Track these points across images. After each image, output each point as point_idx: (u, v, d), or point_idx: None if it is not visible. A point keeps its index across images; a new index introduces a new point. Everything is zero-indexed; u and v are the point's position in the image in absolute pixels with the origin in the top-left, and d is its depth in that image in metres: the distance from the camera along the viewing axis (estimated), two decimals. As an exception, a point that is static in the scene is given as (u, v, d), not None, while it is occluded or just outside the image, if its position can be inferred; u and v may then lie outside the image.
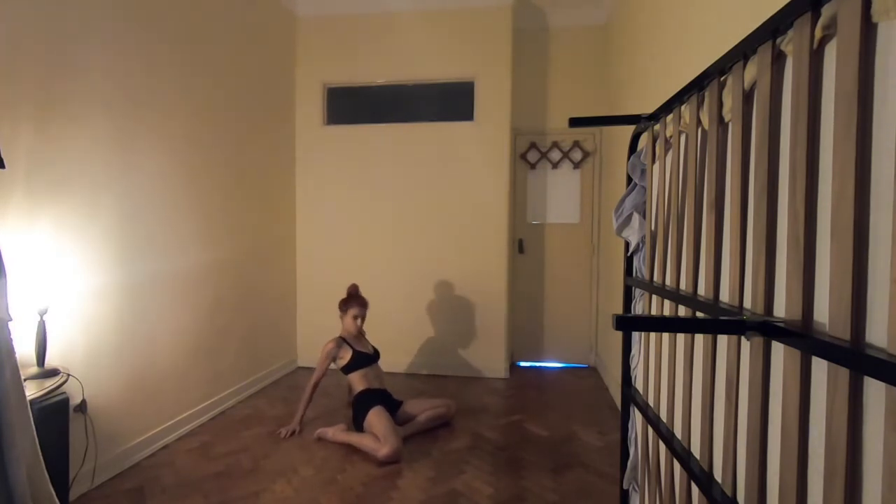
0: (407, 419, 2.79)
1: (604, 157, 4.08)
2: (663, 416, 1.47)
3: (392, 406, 2.79)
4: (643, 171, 1.77)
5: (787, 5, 0.83)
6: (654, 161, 1.66)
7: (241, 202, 3.34)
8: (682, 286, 1.39)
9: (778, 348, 0.90)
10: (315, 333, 4.08)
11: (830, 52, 0.79)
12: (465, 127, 3.92)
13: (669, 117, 1.53)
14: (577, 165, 4.17)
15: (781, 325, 0.84)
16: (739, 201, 1.04)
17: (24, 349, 1.81)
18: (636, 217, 1.79)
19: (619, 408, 2.63)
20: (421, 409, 2.82)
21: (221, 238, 3.12)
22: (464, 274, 3.94)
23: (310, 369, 4.04)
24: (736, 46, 1.03)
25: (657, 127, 1.62)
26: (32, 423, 1.39)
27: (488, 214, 3.88)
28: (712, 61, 1.16)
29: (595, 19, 4.07)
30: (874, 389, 0.68)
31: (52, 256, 2.00)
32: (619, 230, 1.85)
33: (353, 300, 2.95)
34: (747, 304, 1.03)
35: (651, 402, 1.62)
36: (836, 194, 0.73)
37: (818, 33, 0.79)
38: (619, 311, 2.74)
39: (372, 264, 3.99)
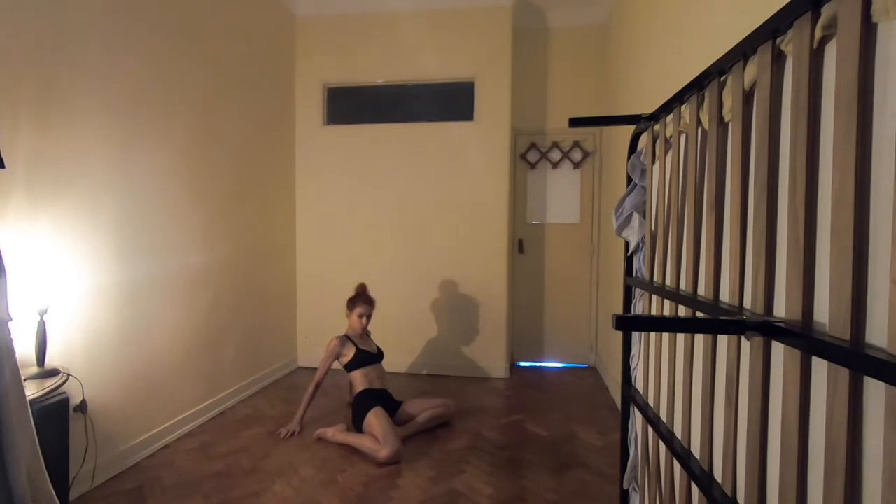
0: (406, 419, 2.79)
1: (604, 157, 4.08)
2: (663, 416, 1.47)
3: (392, 406, 2.79)
4: (643, 171, 1.77)
5: (787, 5, 0.83)
6: (654, 161, 1.66)
7: (242, 202, 3.34)
8: (682, 286, 1.39)
9: (778, 348, 0.90)
10: (315, 333, 4.08)
11: (830, 52, 0.79)
12: (465, 127, 3.92)
13: (669, 117, 1.53)
14: (577, 165, 4.17)
15: (781, 325, 0.84)
16: (739, 201, 1.04)
17: (24, 349, 1.81)
18: (636, 217, 1.79)
19: (619, 408, 2.63)
20: (420, 409, 2.82)
21: (221, 238, 3.12)
22: (464, 274, 3.94)
23: (309, 369, 4.05)
24: (736, 46, 1.03)
25: (657, 127, 1.62)
26: (32, 423, 1.39)
27: (488, 214, 3.88)
28: (712, 61, 1.16)
29: (595, 19, 4.07)
30: (874, 389, 0.68)
31: (52, 256, 2.00)
32: (619, 230, 1.85)
33: (360, 299, 2.95)
34: (747, 304, 1.03)
35: (651, 402, 1.62)
36: (836, 194, 0.73)
37: (818, 33, 0.79)
38: (619, 311, 2.74)
39: (371, 264, 3.99)
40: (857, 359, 0.66)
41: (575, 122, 1.84)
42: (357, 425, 2.65)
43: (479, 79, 3.88)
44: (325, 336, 3.92)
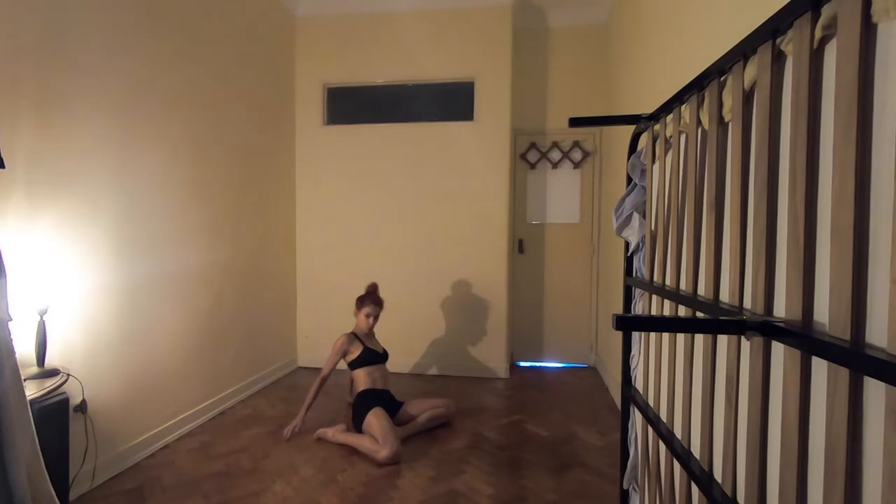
0: (407, 419, 2.79)
1: (604, 157, 4.08)
2: (663, 416, 1.47)
3: (393, 407, 2.79)
4: (643, 171, 1.77)
5: (787, 5, 0.83)
6: (654, 161, 1.66)
7: (242, 202, 3.34)
8: (682, 286, 1.39)
9: (778, 348, 0.90)
10: (315, 334, 4.08)
11: (830, 52, 0.79)
12: (466, 127, 3.92)
13: (669, 117, 1.53)
14: (577, 165, 4.17)
15: (781, 325, 0.84)
16: (739, 201, 1.04)
17: (24, 349, 1.81)
18: (636, 217, 1.79)
19: (619, 408, 2.63)
20: (421, 409, 2.82)
21: (221, 238, 3.12)
22: (464, 274, 3.94)
23: (309, 369, 4.05)
24: (736, 46, 1.03)
25: (657, 127, 1.62)
26: (32, 423, 1.39)
27: (488, 214, 3.88)
28: (712, 61, 1.16)
29: (595, 19, 4.07)
30: (874, 389, 0.68)
31: (52, 256, 2.00)
32: (619, 230, 1.85)
33: (369, 298, 2.95)
34: (747, 304, 1.03)
35: (651, 402, 1.61)
36: (836, 194, 0.73)
37: (818, 33, 0.79)
38: (619, 311, 2.74)
39: (371, 264, 3.99)
40: (857, 359, 0.66)
41: (575, 122, 1.84)
42: (357, 425, 2.65)
43: (479, 79, 3.88)
44: (325, 336, 3.93)
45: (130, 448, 2.38)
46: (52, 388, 1.72)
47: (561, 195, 4.21)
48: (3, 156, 1.43)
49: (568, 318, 4.24)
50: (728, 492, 1.04)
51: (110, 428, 2.26)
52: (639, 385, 1.77)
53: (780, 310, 0.92)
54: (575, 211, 4.20)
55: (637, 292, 1.85)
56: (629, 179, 1.83)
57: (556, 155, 4.19)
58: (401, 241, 4.01)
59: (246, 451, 2.56)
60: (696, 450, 1.25)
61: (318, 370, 4.00)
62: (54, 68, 1.99)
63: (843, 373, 0.70)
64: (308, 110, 4.10)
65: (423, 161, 3.96)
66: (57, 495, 1.46)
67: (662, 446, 1.48)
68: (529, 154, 4.22)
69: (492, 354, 3.93)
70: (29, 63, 1.89)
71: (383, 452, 2.41)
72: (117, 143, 2.31)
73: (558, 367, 4.20)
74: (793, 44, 0.85)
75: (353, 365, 2.81)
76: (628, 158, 1.84)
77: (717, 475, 1.12)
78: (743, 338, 1.01)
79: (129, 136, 2.38)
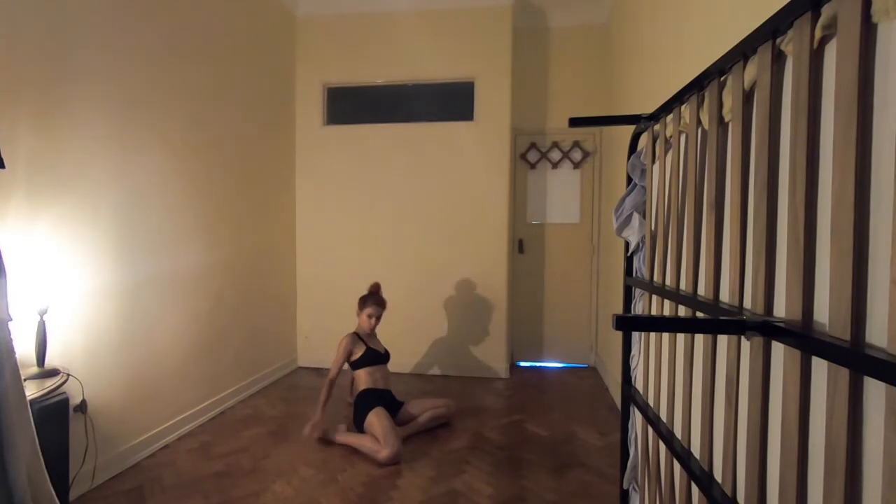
0: (408, 419, 2.79)
1: (604, 157, 4.08)
2: (663, 416, 1.47)
3: (394, 407, 2.79)
4: (643, 171, 1.77)
5: (787, 5, 0.83)
6: (654, 161, 1.66)
7: (241, 202, 3.34)
8: (682, 286, 1.38)
9: (778, 348, 0.90)
10: (315, 334, 4.08)
11: (830, 52, 0.79)
12: (465, 127, 3.91)
13: (669, 117, 1.53)
14: (577, 165, 4.17)
15: (781, 325, 0.84)
16: (739, 201, 1.04)
17: (24, 349, 1.81)
18: (636, 217, 1.79)
19: (619, 408, 2.63)
20: (421, 409, 2.83)
21: (221, 238, 3.12)
22: (464, 274, 3.94)
23: (309, 370, 4.05)
24: (736, 46, 1.03)
25: (657, 127, 1.62)
26: (32, 423, 1.39)
27: (488, 214, 3.88)
28: (712, 61, 1.16)
29: (595, 19, 4.07)
30: (874, 389, 0.68)
31: (52, 256, 2.00)
32: (619, 230, 1.85)
33: (371, 299, 2.94)
34: (747, 304, 1.03)
35: (651, 402, 1.61)
36: (836, 194, 0.73)
37: (818, 33, 0.79)
38: (619, 311, 2.74)
39: (371, 264, 3.99)
40: (857, 359, 0.66)
41: (575, 122, 1.84)
42: (358, 425, 2.65)
43: (479, 79, 3.88)
44: (325, 336, 3.93)
45: (130, 448, 2.38)
46: (52, 388, 1.73)
47: (561, 195, 4.21)
48: (3, 156, 1.43)
49: (568, 318, 4.24)
50: (728, 492, 1.04)
51: (110, 428, 2.26)
52: (639, 385, 1.77)
53: (780, 310, 0.92)
54: (575, 211, 4.20)
55: (637, 292, 1.85)
56: (629, 179, 1.83)
57: (556, 155, 4.19)
58: (400, 241, 4.01)
59: (246, 451, 2.56)
60: (696, 450, 1.25)
61: (318, 370, 4.01)
62: (54, 69, 1.99)
63: (843, 373, 0.70)
64: (308, 110, 4.10)
65: (423, 161, 3.96)
66: (57, 495, 1.46)
67: (662, 446, 1.48)
68: (529, 154, 4.22)
69: (492, 354, 3.93)
70: (29, 64, 1.89)
71: (384, 452, 2.41)
72: (117, 144, 2.31)
73: (558, 367, 4.20)
74: (793, 44, 0.85)
75: (356, 365, 2.81)
76: (628, 158, 1.84)
77: (717, 475, 1.12)
78: (743, 338, 1.01)
79: (129, 137, 2.38)
